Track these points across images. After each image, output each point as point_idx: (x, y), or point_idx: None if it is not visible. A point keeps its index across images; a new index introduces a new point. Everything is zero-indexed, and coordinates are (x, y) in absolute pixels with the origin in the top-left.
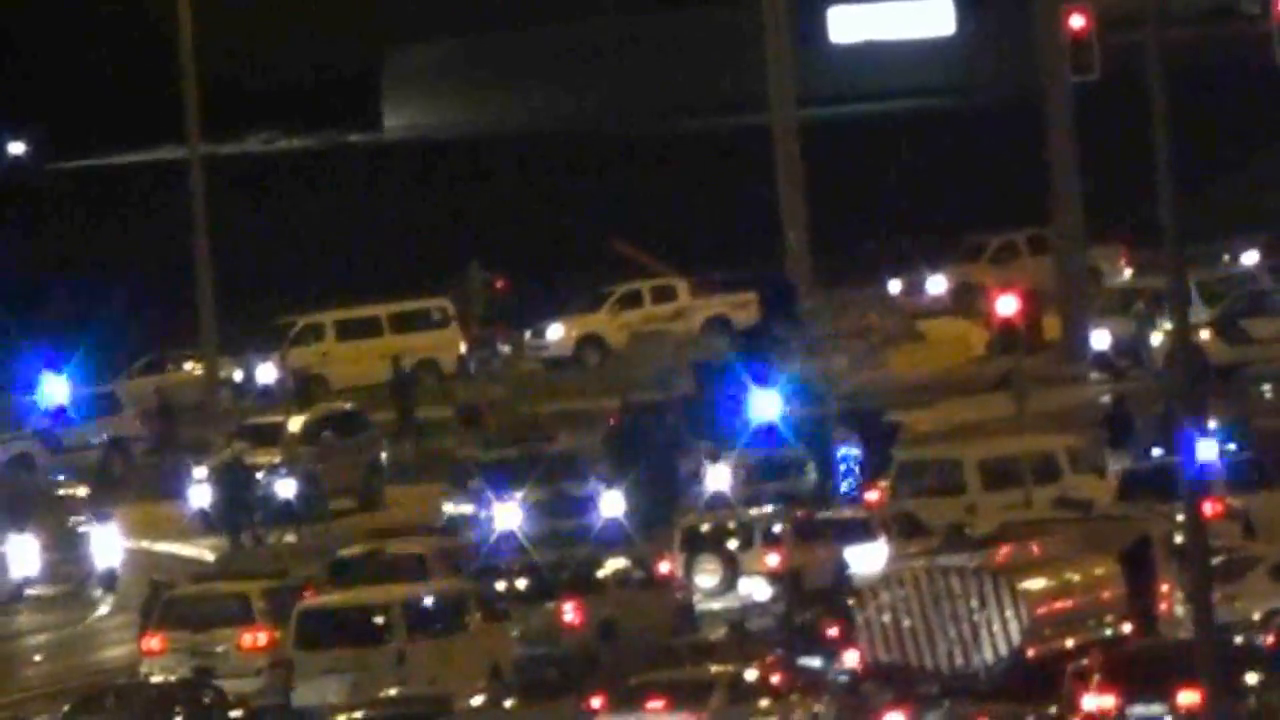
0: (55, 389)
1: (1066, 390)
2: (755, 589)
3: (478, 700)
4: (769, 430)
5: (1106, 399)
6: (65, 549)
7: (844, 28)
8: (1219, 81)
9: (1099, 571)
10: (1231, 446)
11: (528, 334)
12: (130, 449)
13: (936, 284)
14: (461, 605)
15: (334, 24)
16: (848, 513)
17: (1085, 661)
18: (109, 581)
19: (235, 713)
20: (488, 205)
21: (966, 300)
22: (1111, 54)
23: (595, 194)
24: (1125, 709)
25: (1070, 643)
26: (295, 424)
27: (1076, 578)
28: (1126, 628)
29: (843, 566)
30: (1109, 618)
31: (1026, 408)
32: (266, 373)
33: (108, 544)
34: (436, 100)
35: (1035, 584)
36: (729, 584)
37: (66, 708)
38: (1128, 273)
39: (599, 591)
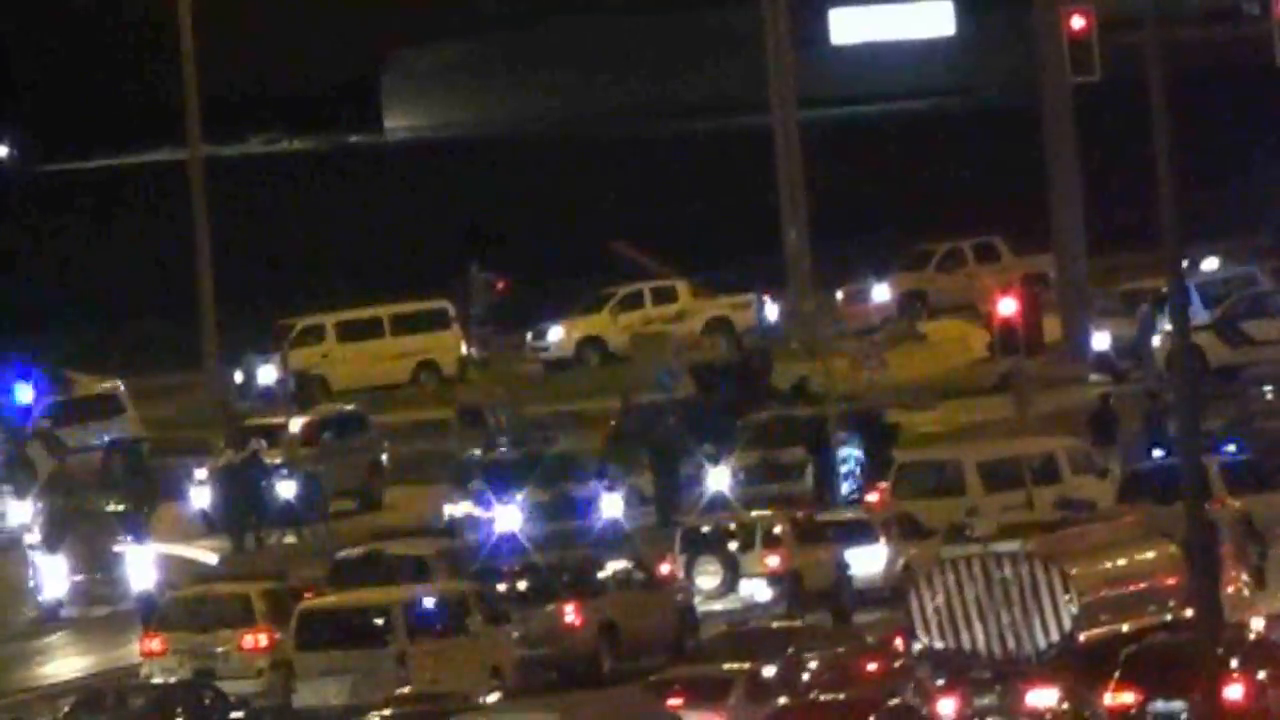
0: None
1: (1067, 391)
2: (756, 590)
3: (493, 697)
4: None
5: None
6: (99, 570)
7: (845, 29)
8: (1219, 82)
9: (1157, 557)
10: (1231, 448)
11: (529, 335)
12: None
13: (882, 292)
14: (462, 607)
15: (334, 27)
16: (848, 514)
17: (1135, 647)
18: (148, 606)
19: (236, 714)
20: (488, 206)
21: (913, 309)
22: (1111, 55)
23: (595, 195)
24: (1145, 705)
25: (1126, 627)
26: (296, 425)
27: (1133, 563)
28: (1188, 612)
29: (843, 568)
30: (1171, 602)
31: (1027, 409)
32: (267, 374)
33: (144, 565)
34: (436, 102)
35: (1087, 570)
36: (730, 585)
37: (66, 708)
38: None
39: (600, 593)
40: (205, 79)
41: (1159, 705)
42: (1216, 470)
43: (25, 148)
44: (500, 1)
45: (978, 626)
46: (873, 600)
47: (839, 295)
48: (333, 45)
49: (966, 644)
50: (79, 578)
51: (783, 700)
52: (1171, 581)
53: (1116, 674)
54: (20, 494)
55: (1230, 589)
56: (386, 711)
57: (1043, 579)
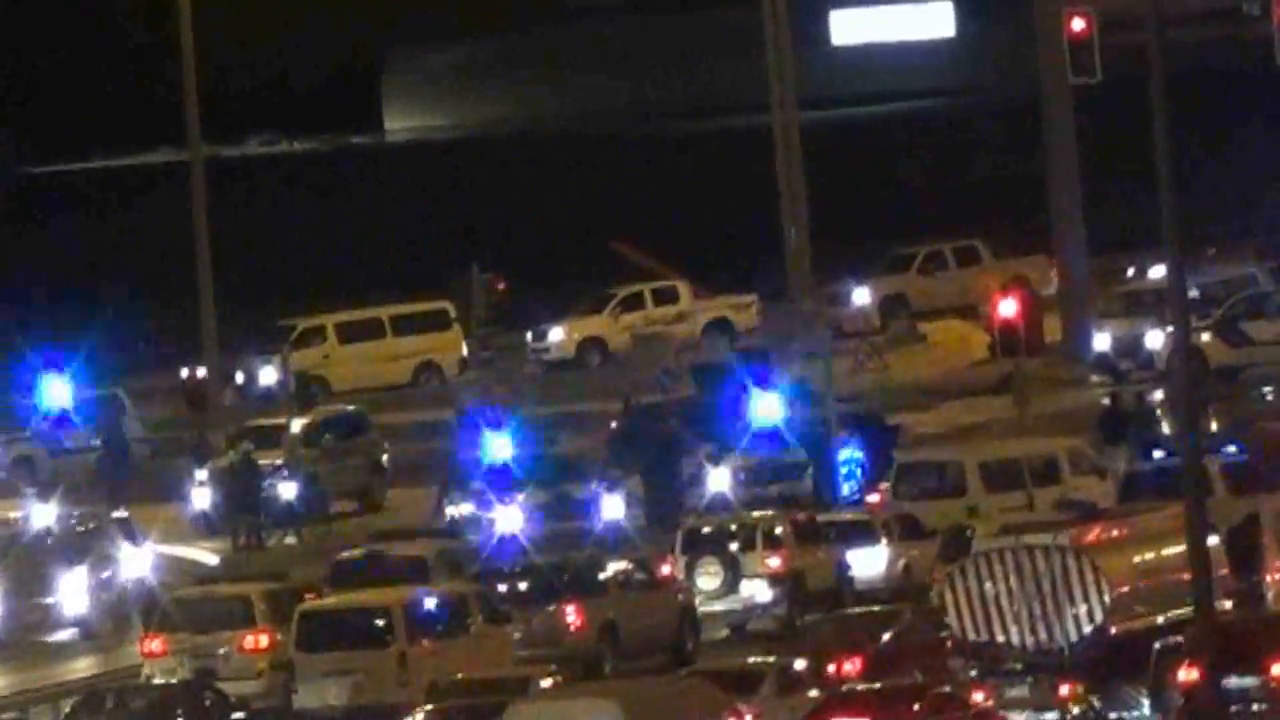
0: (57, 392)
1: (1067, 392)
2: (757, 591)
3: (546, 682)
4: (771, 434)
5: (1107, 400)
6: (34, 595)
7: (845, 29)
8: (1219, 82)
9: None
10: (1231, 448)
11: (529, 336)
12: (132, 451)
13: (862, 295)
14: (463, 607)
15: (335, 26)
16: (849, 515)
17: (1173, 639)
18: (86, 631)
19: (237, 715)
20: (488, 207)
21: (893, 313)
22: (1112, 56)
23: (595, 195)
24: (1219, 681)
25: (1160, 619)
26: (297, 426)
27: (1169, 556)
28: (1227, 604)
29: (844, 568)
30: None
31: (1027, 410)
32: (268, 375)
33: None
34: (437, 102)
35: (1120, 562)
36: (730, 586)
37: (68, 709)
38: (1057, 283)
39: (600, 593)
40: (205, 79)
41: (1232, 681)
42: (1216, 470)
43: (11, 148)
44: (500, 2)
45: (1010, 618)
46: (873, 601)
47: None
48: (333, 46)
49: (999, 636)
50: (15, 602)
51: (813, 693)
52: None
53: (1185, 653)
54: (44, 497)
55: (1276, 576)
56: (429, 707)
57: (1075, 571)
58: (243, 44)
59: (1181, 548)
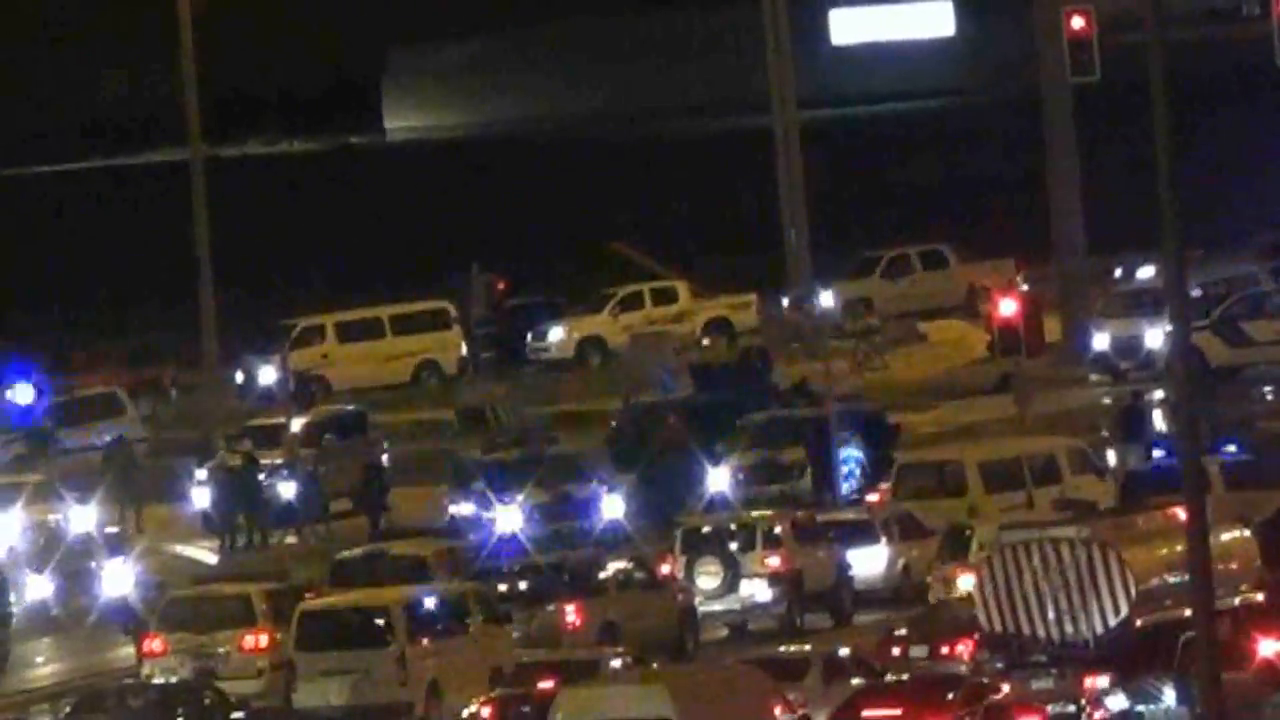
0: (22, 394)
1: (1067, 392)
2: (756, 590)
3: (616, 662)
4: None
5: (1107, 400)
6: None
7: (845, 29)
8: (1219, 82)
9: (1228, 541)
10: (1231, 448)
11: (529, 335)
12: (133, 450)
13: (826, 299)
14: (462, 607)
15: (335, 27)
16: (849, 514)
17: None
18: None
19: (236, 714)
20: (488, 206)
21: (858, 315)
22: (1111, 56)
23: (595, 195)
24: None
25: (1189, 612)
26: (296, 426)
27: None
28: (1259, 596)
29: (844, 568)
30: (1243, 586)
31: (1027, 409)
32: (267, 375)
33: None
34: (437, 102)
35: (1146, 555)
36: (730, 586)
37: (68, 709)
38: (1024, 286)
39: (600, 593)
40: (205, 79)
41: None
42: (1216, 470)
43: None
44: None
45: (1036, 611)
46: (873, 601)
47: (784, 301)
48: (333, 45)
49: (1025, 628)
50: None
51: (856, 680)
52: (1240, 566)
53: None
54: (84, 500)
55: None
56: (495, 692)
57: (1100, 564)
58: (243, 44)
59: (1223, 540)
